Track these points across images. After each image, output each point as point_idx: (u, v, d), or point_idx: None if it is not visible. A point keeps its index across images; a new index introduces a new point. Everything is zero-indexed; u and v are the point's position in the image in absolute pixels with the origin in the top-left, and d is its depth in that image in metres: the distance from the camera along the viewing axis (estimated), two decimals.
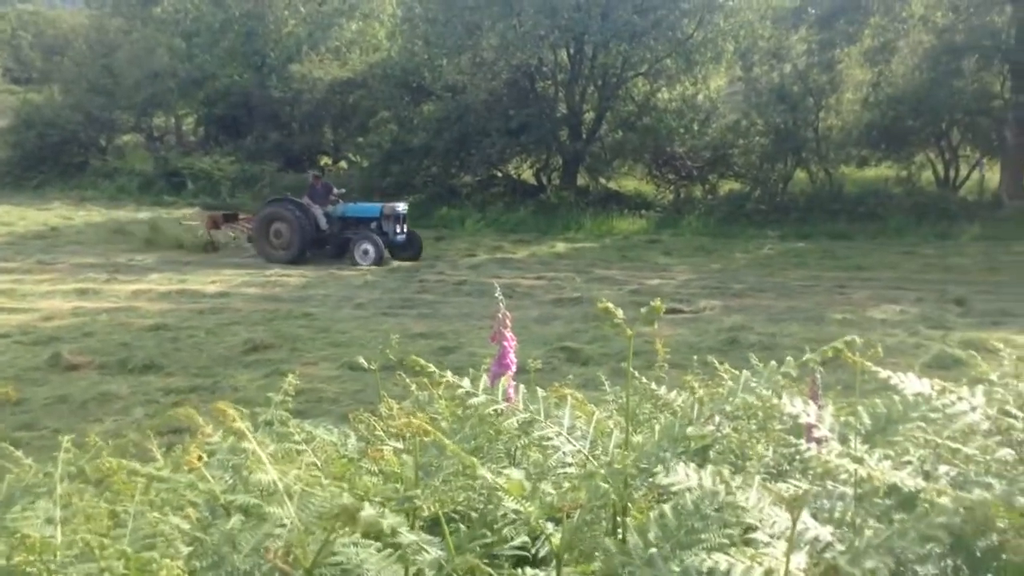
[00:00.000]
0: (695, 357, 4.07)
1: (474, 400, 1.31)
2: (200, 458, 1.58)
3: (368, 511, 0.99)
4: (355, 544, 1.23)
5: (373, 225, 16.32)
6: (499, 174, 25.78)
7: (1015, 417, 1.44)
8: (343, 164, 29.44)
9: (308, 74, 27.76)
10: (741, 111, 24.74)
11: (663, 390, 2.50)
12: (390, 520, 1.00)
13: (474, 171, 25.31)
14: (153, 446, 2.09)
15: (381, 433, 2.24)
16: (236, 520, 1.32)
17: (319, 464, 1.96)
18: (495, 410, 1.32)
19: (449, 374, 1.36)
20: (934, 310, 10.76)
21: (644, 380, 2.65)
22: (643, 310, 1.33)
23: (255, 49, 29.31)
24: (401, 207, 16.84)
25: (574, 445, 1.31)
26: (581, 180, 25.19)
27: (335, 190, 17.28)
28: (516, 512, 1.22)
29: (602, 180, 25.51)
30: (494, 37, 24.00)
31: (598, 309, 1.34)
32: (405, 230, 16.67)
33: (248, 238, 17.59)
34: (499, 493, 1.19)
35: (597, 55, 24.16)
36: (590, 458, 1.29)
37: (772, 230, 20.26)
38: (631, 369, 1.35)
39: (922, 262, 16.06)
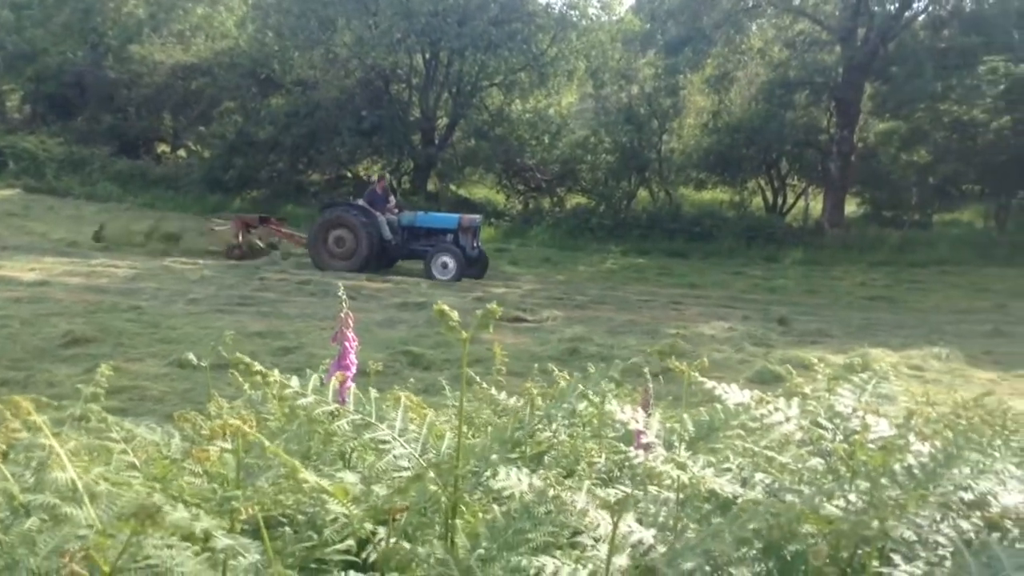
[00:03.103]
0: (535, 365, 4.13)
1: (302, 401, 1.26)
2: None
3: (178, 513, 0.92)
4: (169, 547, 1.15)
5: (448, 237, 15.17)
6: (348, 174, 25.40)
7: (825, 428, 1.53)
8: (182, 153, 28.19)
9: (148, 56, 26.43)
10: (590, 128, 25.48)
11: (503, 395, 2.52)
12: (203, 523, 0.94)
13: (323, 169, 24.85)
14: None
15: (207, 432, 2.14)
16: (34, 521, 1.22)
17: (138, 464, 1.85)
18: (324, 411, 1.27)
19: (277, 372, 1.30)
20: (758, 328, 11.36)
21: (484, 385, 2.66)
22: (478, 312, 1.32)
23: (92, 27, 27.57)
24: (478, 219, 15.86)
25: (405, 448, 1.29)
26: (431, 185, 25.18)
27: (392, 198, 15.90)
28: (344, 516, 1.18)
29: (452, 187, 25.61)
30: (349, 35, 23.65)
31: (435, 312, 1.32)
32: (478, 245, 15.65)
33: (271, 244, 16.32)
34: (324, 496, 1.15)
35: (453, 62, 24.24)
36: (420, 460, 1.27)
37: (615, 245, 20.92)
38: (465, 370, 1.34)
39: (750, 282, 16.99)
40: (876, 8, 23.02)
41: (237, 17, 28.81)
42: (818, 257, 20.21)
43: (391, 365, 7.69)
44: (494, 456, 1.26)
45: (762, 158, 25.08)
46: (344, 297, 2.09)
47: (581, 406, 2.09)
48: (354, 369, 2.09)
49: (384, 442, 1.35)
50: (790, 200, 25.99)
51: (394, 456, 1.27)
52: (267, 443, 1.13)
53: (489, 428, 1.61)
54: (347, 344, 2.10)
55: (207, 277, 12.88)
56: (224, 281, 12.68)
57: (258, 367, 1.30)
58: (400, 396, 1.46)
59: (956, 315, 13.78)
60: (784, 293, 15.91)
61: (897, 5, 23.22)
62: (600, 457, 2.11)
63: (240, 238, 15.87)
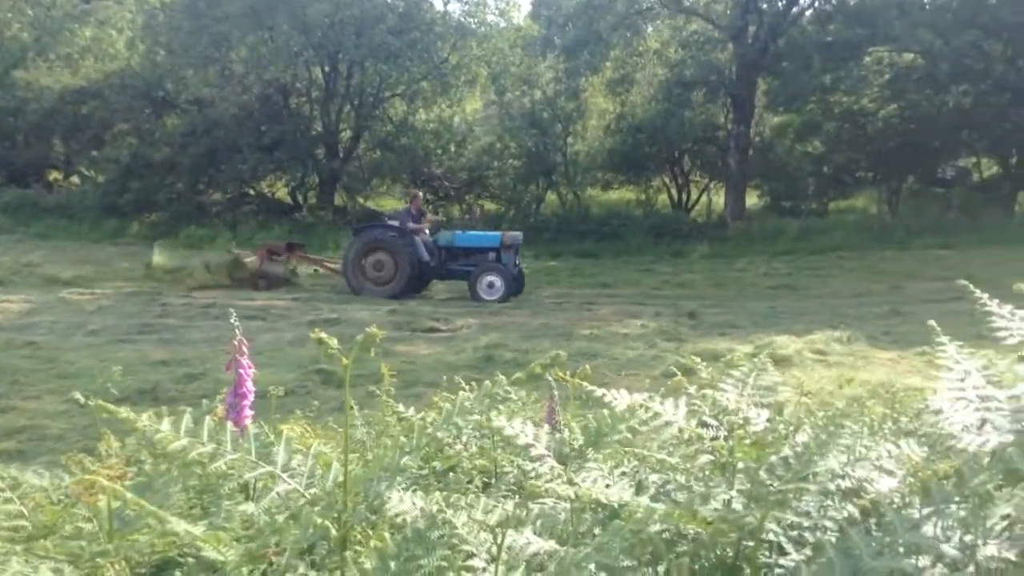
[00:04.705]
0: (444, 377, 4.11)
1: (176, 445, 1.23)
2: None
3: None
4: None
5: (491, 256, 14.59)
6: (251, 192, 24.90)
7: (710, 426, 1.56)
8: (75, 179, 27.18)
9: (34, 82, 25.41)
10: (495, 134, 25.58)
11: (411, 411, 2.50)
12: None
13: (224, 188, 24.29)
14: None
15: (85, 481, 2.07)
16: None
17: (26, 512, 1.77)
18: (201, 453, 1.24)
19: (144, 418, 1.26)
20: (670, 323, 11.57)
21: (392, 403, 2.63)
22: (358, 338, 1.31)
23: None
24: (520, 236, 15.14)
25: (290, 483, 1.26)
26: (339, 199, 24.90)
27: (428, 216, 15.17)
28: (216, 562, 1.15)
29: (360, 199, 25.39)
30: (244, 50, 23.21)
31: (313, 338, 1.30)
32: (519, 262, 15.00)
33: (291, 270, 15.63)
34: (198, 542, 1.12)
35: (353, 74, 24.03)
36: (305, 495, 1.24)
37: (526, 249, 20.99)
38: (349, 396, 1.32)
39: (659, 279, 17.29)
40: (764, 5, 23.78)
41: (127, 37, 27.94)
42: (723, 250, 20.70)
43: (303, 384, 7.57)
44: (383, 485, 1.24)
45: (665, 156, 25.63)
46: (237, 324, 2.04)
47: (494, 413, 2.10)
48: (252, 396, 2.04)
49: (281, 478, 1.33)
50: (694, 196, 26.59)
51: (277, 494, 1.24)
52: (129, 495, 1.09)
53: (386, 447, 1.59)
54: (242, 372, 2.06)
55: (105, 307, 12.43)
56: (124, 310, 12.26)
57: (124, 413, 1.25)
58: (283, 429, 1.43)
59: (855, 298, 14.30)
60: (693, 287, 16.24)
61: (784, 2, 24.05)
62: (511, 467, 2.11)
63: (262, 266, 15.27)
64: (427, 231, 15.00)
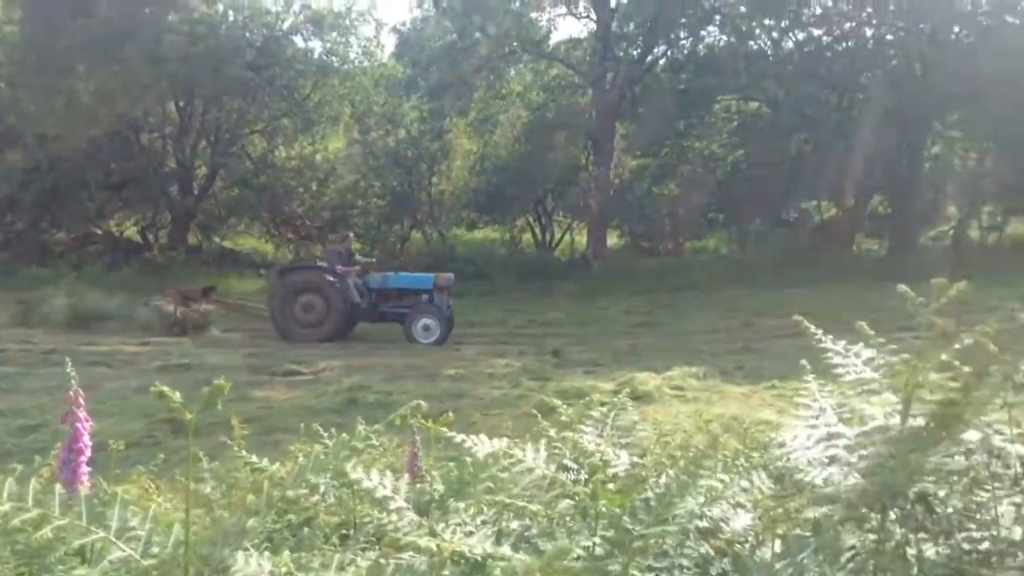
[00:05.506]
0: (302, 423, 3.97)
1: None
2: None
3: None
4: None
5: (424, 298, 14.12)
6: (99, 231, 23.72)
7: (571, 470, 1.56)
8: None
9: None
10: (359, 173, 25.38)
11: (266, 461, 2.38)
12: None
13: (69, 227, 23.03)
14: None
15: None
16: None
17: None
18: (22, 521, 1.13)
19: None
20: (535, 362, 11.66)
21: (244, 455, 2.50)
22: (205, 389, 1.24)
23: None
24: (452, 277, 14.71)
25: (124, 550, 1.17)
26: (193, 238, 24.03)
27: (358, 257, 14.69)
28: None
29: (216, 238, 24.60)
30: (92, 83, 22.17)
31: (154, 393, 1.22)
32: (451, 304, 14.60)
33: (206, 315, 14.62)
34: None
35: (209, 109, 23.37)
36: (141, 562, 1.15)
37: None
38: (194, 450, 1.24)
39: (524, 318, 17.46)
40: (621, 53, 24.75)
41: None
42: (585, 289, 21.09)
43: (151, 435, 7.17)
44: (227, 550, 1.17)
45: (528, 196, 26.07)
46: (73, 373, 1.91)
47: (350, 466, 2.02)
48: (88, 452, 1.90)
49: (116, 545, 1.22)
50: (558, 235, 27.14)
51: (110, 562, 1.15)
52: None
53: (234, 506, 1.51)
54: (79, 425, 1.93)
55: None
56: None
57: None
58: (119, 491, 1.33)
59: (710, 335, 14.84)
60: (557, 326, 16.46)
61: (640, 50, 25.10)
62: (371, 517, 2.03)
63: (178, 312, 14.45)
64: (361, 272, 14.68)
